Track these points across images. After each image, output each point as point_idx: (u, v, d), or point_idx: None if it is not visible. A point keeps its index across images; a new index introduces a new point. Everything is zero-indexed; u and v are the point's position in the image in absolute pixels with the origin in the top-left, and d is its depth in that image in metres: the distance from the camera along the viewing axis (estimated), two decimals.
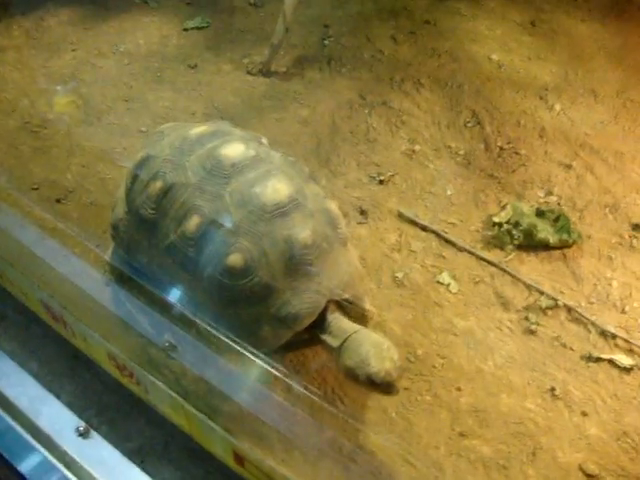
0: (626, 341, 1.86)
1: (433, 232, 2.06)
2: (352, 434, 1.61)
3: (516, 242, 2.04)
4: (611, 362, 1.82)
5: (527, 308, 1.90)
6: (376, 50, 2.82)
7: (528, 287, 1.95)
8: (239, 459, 1.53)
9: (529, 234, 2.04)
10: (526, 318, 1.88)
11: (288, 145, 2.32)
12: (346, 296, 1.62)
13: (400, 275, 1.95)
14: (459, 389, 1.73)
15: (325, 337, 1.58)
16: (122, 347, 1.59)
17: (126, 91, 2.56)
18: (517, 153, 2.39)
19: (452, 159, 2.33)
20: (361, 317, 1.67)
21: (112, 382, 1.68)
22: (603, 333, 1.88)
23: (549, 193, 2.25)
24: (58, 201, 2.13)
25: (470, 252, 2.02)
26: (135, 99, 2.49)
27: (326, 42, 2.85)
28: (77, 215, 2.08)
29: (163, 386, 1.53)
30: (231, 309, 1.57)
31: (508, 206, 2.13)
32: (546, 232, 2.05)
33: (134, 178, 1.69)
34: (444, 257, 2.01)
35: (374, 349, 1.48)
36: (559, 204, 2.21)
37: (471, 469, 1.59)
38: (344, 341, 1.53)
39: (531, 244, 2.05)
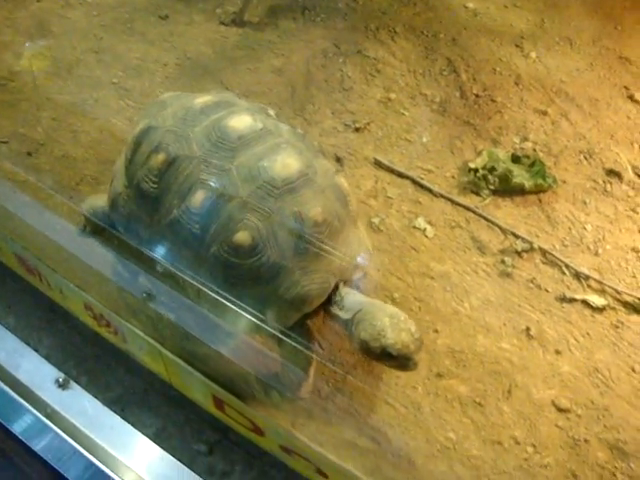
0: (599, 282, 1.90)
1: (409, 178, 2.06)
2: (330, 377, 1.63)
3: (492, 187, 2.05)
4: (584, 302, 1.85)
5: (503, 251, 1.92)
6: None
7: (504, 231, 1.97)
8: (219, 404, 1.54)
9: (505, 179, 2.05)
10: (502, 261, 1.90)
11: (262, 95, 2.30)
12: (357, 276, 1.57)
13: (376, 221, 1.95)
14: (436, 331, 1.75)
15: (336, 311, 1.51)
16: (98, 297, 1.58)
17: (96, 43, 2.49)
18: (493, 100, 2.38)
19: (428, 107, 2.32)
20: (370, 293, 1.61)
21: (90, 333, 1.69)
22: (577, 275, 1.91)
23: (525, 139, 2.25)
24: (29, 154, 2.09)
25: (446, 198, 2.03)
26: (105, 51, 2.43)
27: None
28: (49, 168, 2.05)
29: (140, 333, 1.53)
30: (237, 289, 1.49)
31: (484, 152, 2.14)
32: (521, 177, 2.06)
33: (134, 150, 1.60)
34: (420, 203, 2.01)
35: (390, 320, 1.41)
36: (535, 150, 2.21)
37: (448, 407, 1.62)
38: (357, 313, 1.47)
39: (507, 189, 2.06)
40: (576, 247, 1.98)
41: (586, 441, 1.60)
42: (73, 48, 2.47)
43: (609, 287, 1.88)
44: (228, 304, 1.43)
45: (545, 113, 2.36)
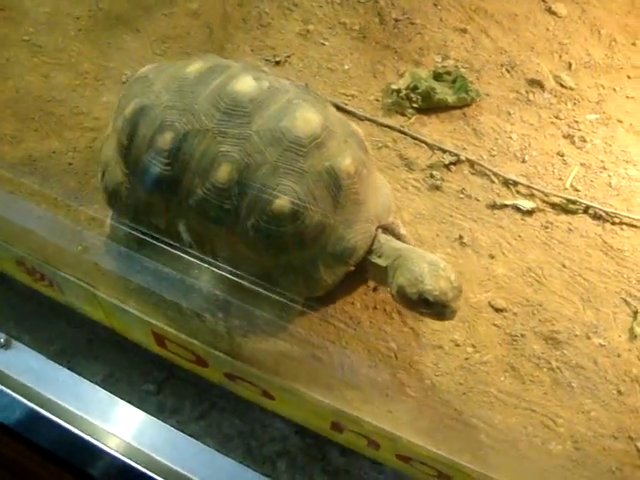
0: (527, 187, 1.94)
1: (333, 105, 2.05)
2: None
3: (416, 106, 2.06)
4: (514, 207, 1.90)
5: (431, 166, 1.94)
6: None
7: (431, 147, 1.99)
8: (160, 340, 1.55)
9: (428, 97, 2.06)
10: (431, 175, 1.92)
11: (179, 38, 2.25)
12: (391, 219, 1.56)
13: None
14: None
15: (375, 259, 1.49)
16: (30, 251, 1.56)
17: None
18: (412, 23, 2.37)
19: (347, 35, 2.30)
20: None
21: (26, 291, 1.67)
22: (505, 182, 1.95)
23: (446, 57, 2.26)
24: None
25: (371, 120, 2.03)
26: (12, 7, 2.34)
27: None
28: None
29: (75, 280, 1.51)
30: (283, 257, 1.45)
31: (406, 73, 2.14)
32: (444, 93, 2.07)
33: (131, 134, 1.50)
34: None
35: (429, 267, 1.41)
36: (457, 67, 2.23)
37: (388, 319, 1.65)
38: (396, 259, 1.46)
39: (431, 106, 2.08)
40: (503, 156, 2.01)
41: (522, 336, 1.66)
42: None
43: (537, 191, 1.93)
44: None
45: (465, 31, 2.37)
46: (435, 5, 2.46)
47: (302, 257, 1.45)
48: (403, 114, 2.06)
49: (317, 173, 1.40)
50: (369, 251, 1.50)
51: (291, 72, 2.15)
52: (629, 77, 2.33)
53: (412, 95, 2.06)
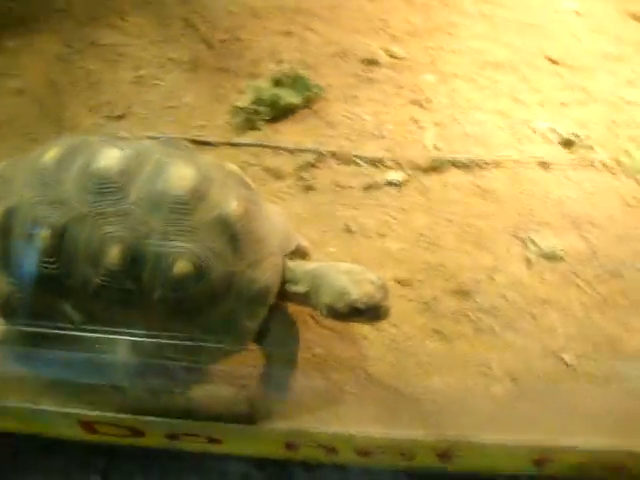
0: (392, 160, 2.01)
1: (185, 140, 2.04)
2: None
3: (265, 117, 2.09)
4: (388, 183, 1.96)
5: (298, 169, 1.97)
6: None
7: (291, 151, 2.01)
8: (88, 427, 1.48)
9: (274, 105, 2.09)
10: (300, 178, 1.95)
11: (12, 121, 2.15)
12: (294, 245, 1.52)
13: None
14: None
15: (292, 287, 1.46)
16: None
17: None
18: (238, 39, 2.40)
19: (180, 69, 2.30)
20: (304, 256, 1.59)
21: None
22: (372, 162, 2.01)
23: (280, 62, 2.30)
24: None
25: (228, 144, 2.03)
26: None
27: (11, 5, 2.63)
28: None
29: None
30: (200, 319, 1.39)
31: (247, 89, 2.17)
32: (289, 96, 2.11)
33: (5, 242, 1.40)
34: None
35: (347, 277, 1.38)
36: (293, 68, 2.26)
37: (304, 327, 1.65)
38: (312, 281, 1.43)
39: (280, 113, 2.11)
40: (362, 138, 2.07)
41: (434, 299, 1.71)
42: None
43: (402, 158, 2.00)
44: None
45: (290, 33, 2.43)
46: (255, 16, 2.50)
47: (219, 313, 1.40)
48: (256, 128, 2.08)
49: (207, 226, 1.35)
50: (283, 282, 1.47)
51: (136, 122, 2.11)
52: (450, 34, 2.47)
53: (258, 108, 2.08)
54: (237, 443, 1.49)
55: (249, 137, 2.05)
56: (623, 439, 1.43)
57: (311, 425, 1.39)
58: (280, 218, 1.56)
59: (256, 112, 2.08)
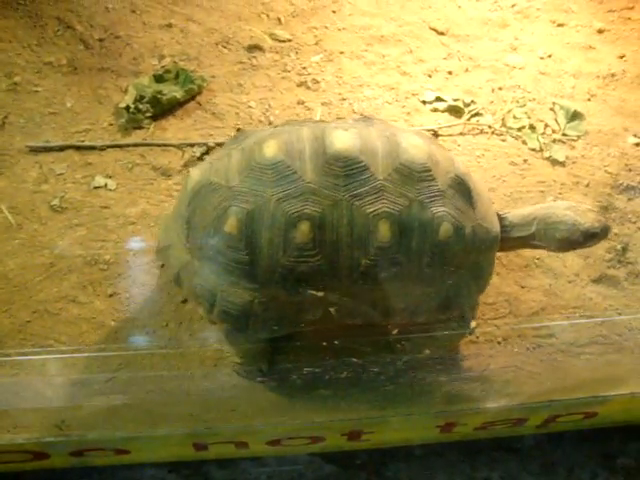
0: None
1: (70, 147, 1.98)
2: None
3: (149, 114, 2.05)
4: None
5: (186, 165, 1.94)
6: None
7: (179, 147, 1.99)
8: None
9: (157, 101, 2.05)
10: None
11: None
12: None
13: (57, 202, 1.86)
14: None
15: (516, 233, 1.57)
16: None
17: None
18: (117, 37, 2.33)
19: (58, 72, 2.21)
20: None
21: None
22: None
23: (162, 57, 2.25)
24: None
25: (114, 146, 1.98)
26: None
27: None
28: None
29: None
30: (458, 273, 1.48)
31: (129, 88, 2.11)
32: (172, 91, 2.07)
33: (249, 245, 1.35)
34: (91, 163, 1.95)
35: (570, 211, 1.52)
36: (175, 62, 2.22)
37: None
38: (534, 223, 1.55)
39: (164, 109, 2.07)
40: (249, 126, 2.06)
41: None
42: None
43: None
44: None
45: (170, 25, 2.37)
46: (133, 12, 2.43)
47: (467, 264, 1.49)
48: (141, 127, 2.04)
49: (449, 187, 1.44)
50: (504, 230, 1.57)
51: (14, 132, 2.02)
52: (334, 12, 2.46)
53: (141, 106, 2.04)
54: (145, 451, 1.48)
55: (135, 137, 2.01)
56: None
57: (212, 422, 1.38)
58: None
59: (139, 111, 2.03)
